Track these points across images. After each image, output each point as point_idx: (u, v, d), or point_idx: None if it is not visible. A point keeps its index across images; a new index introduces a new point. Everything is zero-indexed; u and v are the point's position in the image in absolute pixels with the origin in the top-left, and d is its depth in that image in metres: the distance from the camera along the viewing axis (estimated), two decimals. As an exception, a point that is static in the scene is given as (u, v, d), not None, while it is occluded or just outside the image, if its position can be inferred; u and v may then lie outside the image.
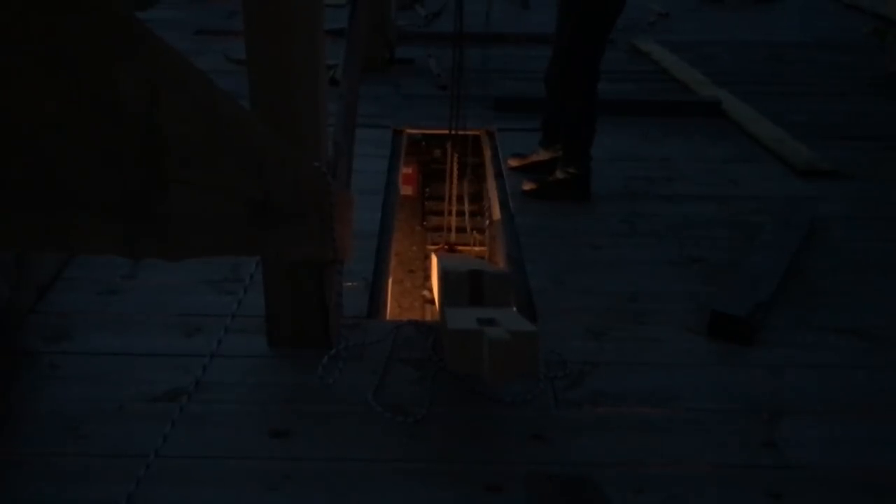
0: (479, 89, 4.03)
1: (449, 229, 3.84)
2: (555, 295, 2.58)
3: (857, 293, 2.61)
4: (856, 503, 1.76)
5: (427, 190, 4.91)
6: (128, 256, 0.75)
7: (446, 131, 3.58)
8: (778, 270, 2.62)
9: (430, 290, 3.53)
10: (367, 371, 2.12)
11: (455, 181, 3.65)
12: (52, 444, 1.84)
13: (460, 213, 3.87)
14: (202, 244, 0.95)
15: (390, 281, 3.08)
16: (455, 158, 3.62)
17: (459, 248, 3.99)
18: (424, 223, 4.82)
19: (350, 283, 2.46)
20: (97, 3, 0.62)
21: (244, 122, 1.12)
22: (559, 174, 3.25)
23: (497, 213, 3.38)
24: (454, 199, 3.73)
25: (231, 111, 1.01)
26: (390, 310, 3.04)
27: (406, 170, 4.21)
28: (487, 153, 3.94)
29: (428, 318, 3.76)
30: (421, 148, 4.67)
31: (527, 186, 3.31)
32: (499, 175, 3.60)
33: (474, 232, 4.21)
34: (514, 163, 3.54)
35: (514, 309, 2.39)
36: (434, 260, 2.61)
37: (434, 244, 4.32)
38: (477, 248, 4.20)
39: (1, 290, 2.24)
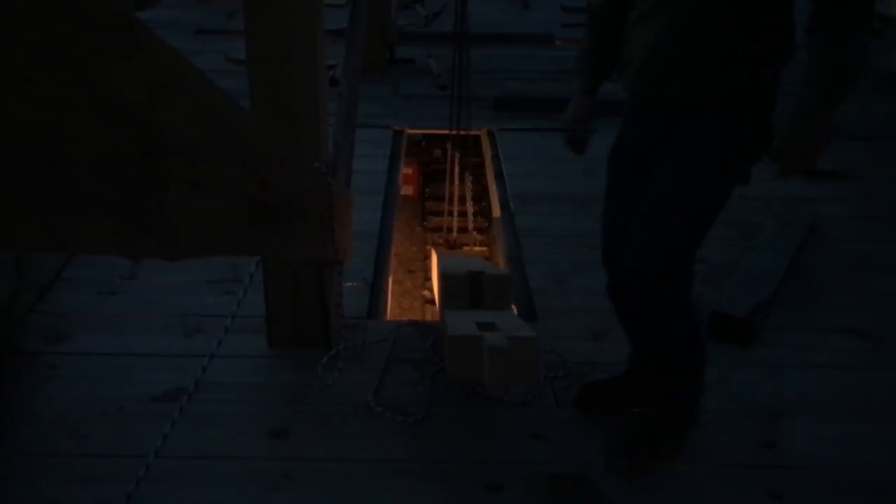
0: (480, 89, 4.02)
1: (449, 229, 3.83)
2: (555, 295, 2.58)
3: (857, 293, 2.61)
4: (855, 503, 1.76)
5: (427, 190, 4.91)
6: (128, 256, 0.75)
7: (446, 131, 3.57)
8: (778, 270, 2.62)
9: (431, 289, 3.53)
10: (367, 371, 2.12)
11: (455, 181, 3.64)
12: (52, 444, 1.84)
13: (461, 214, 3.87)
14: (202, 244, 0.95)
15: (390, 281, 3.08)
16: (455, 158, 3.62)
17: (460, 245, 3.99)
18: (424, 223, 4.82)
19: (350, 283, 2.46)
20: (97, 3, 0.62)
21: (244, 122, 1.12)
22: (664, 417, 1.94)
23: (497, 213, 3.38)
24: (455, 199, 3.73)
25: (231, 111, 1.01)
26: (390, 310, 3.04)
27: (406, 170, 4.21)
28: (487, 153, 3.94)
29: (428, 318, 3.76)
30: (421, 148, 4.67)
31: None
32: (499, 175, 3.60)
33: (475, 232, 4.21)
34: None
35: (514, 310, 2.40)
36: (434, 257, 2.60)
37: (434, 244, 4.32)
38: (478, 248, 4.20)
39: (1, 290, 2.24)
